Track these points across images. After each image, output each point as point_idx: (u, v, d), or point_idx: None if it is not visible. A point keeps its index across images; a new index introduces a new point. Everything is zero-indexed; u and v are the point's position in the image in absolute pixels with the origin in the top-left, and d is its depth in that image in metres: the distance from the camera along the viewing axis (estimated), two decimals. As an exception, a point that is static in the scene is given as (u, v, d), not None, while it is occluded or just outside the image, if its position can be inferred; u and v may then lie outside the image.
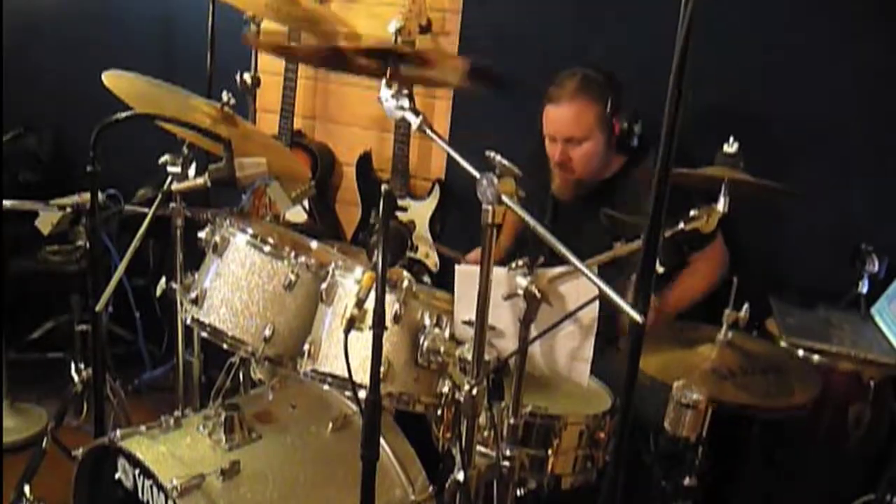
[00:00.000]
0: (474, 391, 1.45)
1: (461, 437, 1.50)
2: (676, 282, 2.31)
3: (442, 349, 1.66)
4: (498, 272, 1.45)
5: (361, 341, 1.55)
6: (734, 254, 2.41)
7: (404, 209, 2.93)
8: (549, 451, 1.81)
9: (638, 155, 2.38)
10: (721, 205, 1.75)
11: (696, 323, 2.04)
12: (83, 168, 1.86)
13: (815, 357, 2.13)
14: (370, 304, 1.38)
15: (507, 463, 1.57)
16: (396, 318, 1.68)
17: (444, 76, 1.77)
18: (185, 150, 2.08)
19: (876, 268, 2.30)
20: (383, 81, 1.53)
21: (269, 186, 2.12)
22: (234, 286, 1.86)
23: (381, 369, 1.42)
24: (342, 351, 1.42)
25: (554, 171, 2.39)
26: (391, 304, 1.66)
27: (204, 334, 1.91)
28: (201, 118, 2.05)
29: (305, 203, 3.05)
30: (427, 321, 1.70)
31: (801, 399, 1.79)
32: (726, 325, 1.87)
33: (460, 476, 1.50)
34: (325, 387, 1.78)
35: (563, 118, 2.29)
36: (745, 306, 1.84)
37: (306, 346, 1.78)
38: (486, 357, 1.47)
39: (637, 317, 1.19)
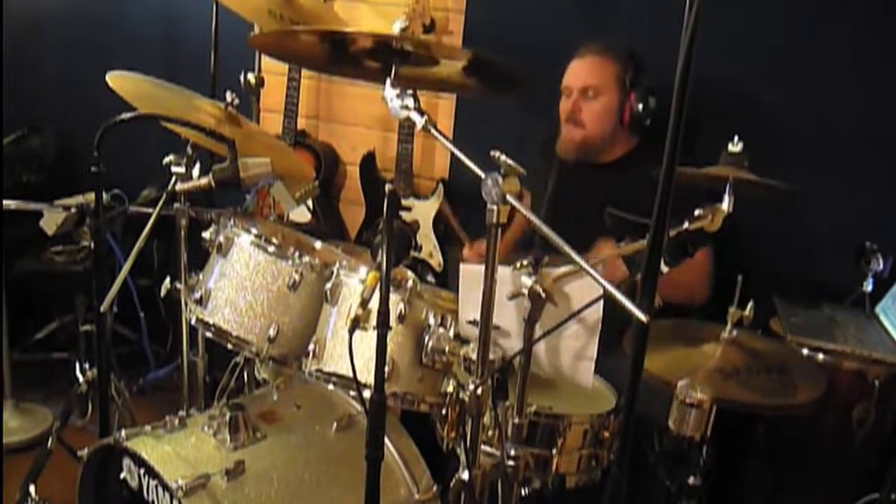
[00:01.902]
0: (479, 391, 1.45)
1: (466, 436, 1.50)
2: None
3: (446, 349, 1.66)
4: (503, 271, 1.45)
5: (366, 341, 1.55)
6: (738, 252, 2.41)
7: (408, 209, 2.94)
8: (554, 451, 1.80)
9: (651, 136, 2.37)
10: (726, 204, 1.75)
11: (700, 321, 2.03)
12: (87, 169, 1.87)
13: (820, 356, 2.13)
14: (374, 304, 1.38)
15: (511, 462, 1.57)
16: (401, 318, 1.68)
17: (447, 70, 1.75)
18: (189, 150, 2.08)
19: (881, 266, 2.30)
20: (388, 81, 1.53)
21: (273, 186, 2.13)
22: (238, 286, 1.86)
23: (386, 369, 1.41)
24: (347, 351, 1.43)
25: (561, 132, 2.39)
26: (395, 304, 1.67)
27: (208, 334, 1.91)
28: (205, 118, 2.05)
29: (309, 203, 3.06)
30: (431, 321, 1.70)
31: (805, 398, 1.78)
32: (731, 323, 1.86)
33: (465, 475, 1.51)
34: (330, 386, 1.78)
35: (582, 68, 2.34)
36: (750, 304, 1.84)
37: (311, 346, 1.78)
38: (491, 356, 1.47)
39: (642, 316, 1.19)
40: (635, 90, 2.33)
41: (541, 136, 2.54)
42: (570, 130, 2.36)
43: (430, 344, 1.68)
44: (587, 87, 2.31)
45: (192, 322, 1.93)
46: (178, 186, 2.03)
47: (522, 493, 1.70)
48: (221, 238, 1.90)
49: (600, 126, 2.34)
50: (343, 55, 1.69)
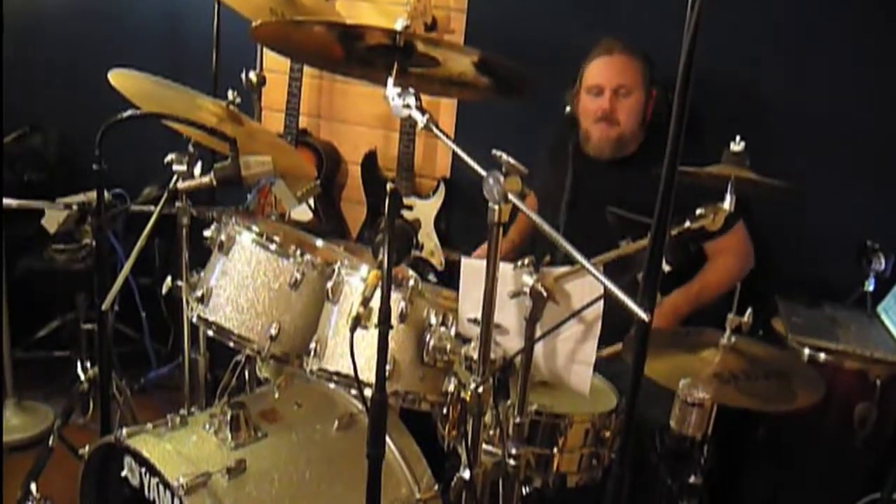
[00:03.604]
0: (480, 389, 1.45)
1: (467, 435, 1.50)
2: (698, 277, 2.32)
3: (448, 347, 1.66)
4: (504, 270, 1.45)
5: (367, 339, 1.55)
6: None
7: (409, 208, 2.94)
8: (555, 450, 1.80)
9: (658, 131, 2.38)
10: (727, 203, 1.75)
11: (700, 327, 2.03)
12: (89, 167, 1.87)
13: (822, 355, 2.13)
14: (376, 303, 1.39)
15: (512, 461, 1.57)
16: (402, 317, 1.68)
17: (453, 68, 1.74)
18: (191, 148, 2.09)
19: (882, 266, 2.30)
20: (390, 79, 1.53)
21: (275, 185, 2.12)
22: (239, 284, 1.86)
23: (387, 368, 1.42)
24: (348, 349, 1.43)
25: (590, 131, 2.38)
26: (397, 303, 1.67)
27: (210, 332, 1.92)
28: (207, 117, 2.05)
29: (311, 202, 3.06)
30: (433, 319, 1.70)
31: (803, 404, 1.78)
32: (730, 329, 1.86)
33: (466, 474, 1.51)
34: (331, 385, 1.79)
35: (615, 66, 2.34)
36: (749, 311, 1.84)
37: (312, 345, 1.78)
38: (492, 355, 1.47)
39: (643, 315, 1.18)
40: (656, 87, 2.35)
41: (553, 139, 2.54)
42: (605, 129, 2.35)
43: (432, 343, 1.68)
44: (621, 86, 2.32)
45: (194, 320, 1.94)
46: (180, 185, 2.04)
47: (523, 492, 1.70)
48: (223, 236, 1.91)
49: (633, 123, 2.36)
50: (350, 50, 1.68)
